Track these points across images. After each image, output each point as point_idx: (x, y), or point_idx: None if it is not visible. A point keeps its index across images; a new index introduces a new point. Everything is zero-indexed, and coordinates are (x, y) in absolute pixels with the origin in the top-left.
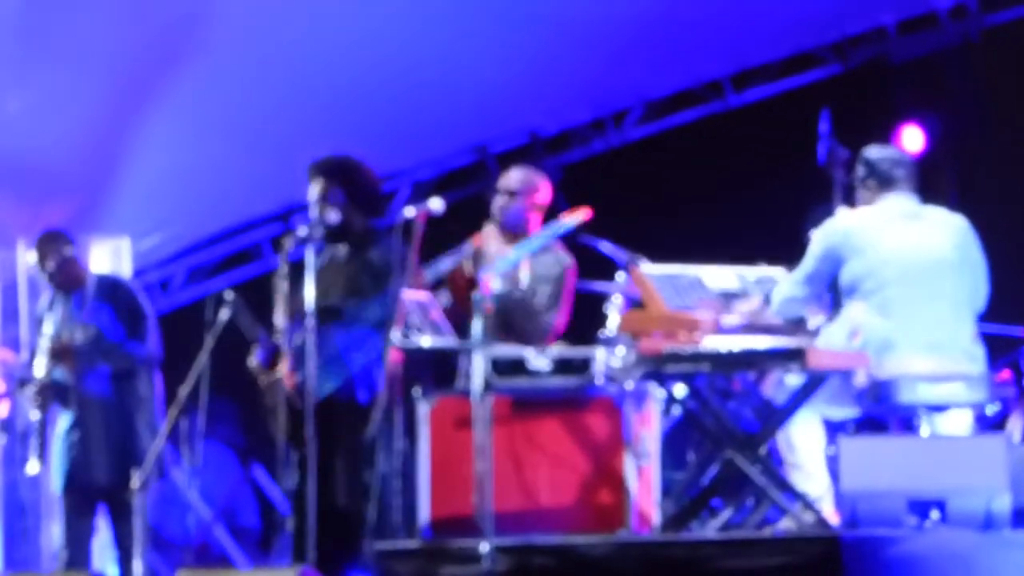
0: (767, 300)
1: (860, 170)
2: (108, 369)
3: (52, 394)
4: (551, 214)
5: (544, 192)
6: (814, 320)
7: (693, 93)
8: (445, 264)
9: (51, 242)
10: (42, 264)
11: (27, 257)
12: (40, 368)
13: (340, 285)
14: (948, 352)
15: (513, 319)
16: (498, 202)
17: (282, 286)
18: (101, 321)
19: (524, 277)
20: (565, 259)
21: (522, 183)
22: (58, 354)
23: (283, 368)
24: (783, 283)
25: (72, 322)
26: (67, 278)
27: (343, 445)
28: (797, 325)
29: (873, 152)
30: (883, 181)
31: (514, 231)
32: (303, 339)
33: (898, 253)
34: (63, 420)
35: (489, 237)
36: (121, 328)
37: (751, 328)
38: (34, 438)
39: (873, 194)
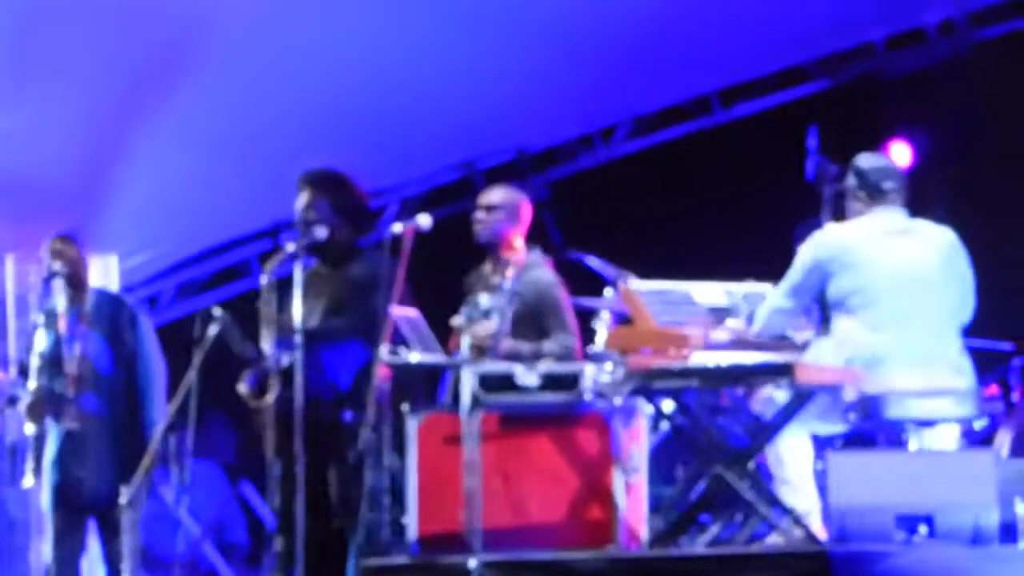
0: (750, 320)
1: (851, 179)
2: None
3: (48, 406)
4: (538, 230)
5: (525, 210)
6: (802, 334)
7: (681, 108)
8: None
9: (70, 242)
10: (60, 257)
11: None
12: (34, 381)
13: (322, 304)
14: (937, 366)
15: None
16: (477, 218)
17: (266, 308)
18: (93, 348)
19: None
20: (551, 276)
21: (501, 199)
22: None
23: (272, 395)
24: (768, 296)
25: (71, 341)
26: (78, 281)
27: (330, 462)
28: (783, 339)
29: (864, 161)
30: (872, 193)
31: (493, 247)
32: (291, 358)
33: (886, 269)
34: (52, 435)
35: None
36: (113, 355)
37: (739, 344)
38: (30, 452)
39: (863, 206)
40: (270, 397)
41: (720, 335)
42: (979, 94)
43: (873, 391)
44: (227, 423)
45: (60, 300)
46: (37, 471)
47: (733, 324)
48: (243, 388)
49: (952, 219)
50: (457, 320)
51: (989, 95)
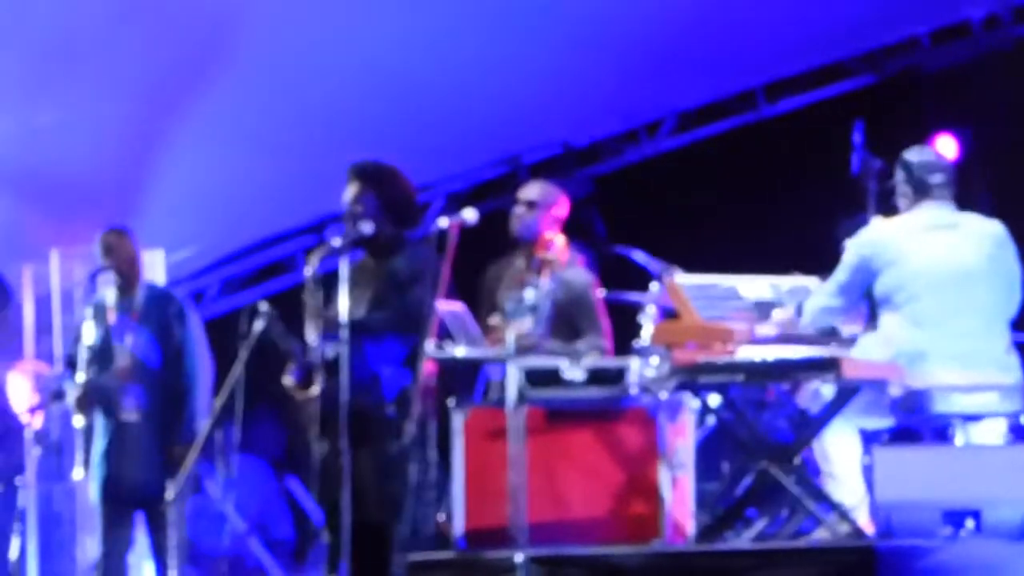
0: (799, 311)
1: (899, 173)
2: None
3: (96, 399)
4: (584, 225)
5: (562, 206)
6: (849, 328)
7: (726, 103)
8: None
9: (121, 236)
10: (108, 255)
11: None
12: (83, 374)
13: (367, 297)
14: (980, 364)
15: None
16: (516, 212)
17: (311, 301)
18: (143, 341)
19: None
20: (587, 276)
21: (540, 195)
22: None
23: (317, 388)
24: (817, 294)
25: (121, 334)
26: (131, 275)
27: (373, 457)
28: (831, 335)
29: (911, 155)
30: (918, 188)
31: (530, 242)
32: (336, 352)
33: (929, 265)
34: (100, 429)
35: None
36: (160, 350)
37: (785, 338)
38: (79, 444)
39: (910, 201)
40: (315, 390)
41: (766, 329)
42: (1022, 88)
43: (918, 386)
44: (275, 419)
45: (109, 294)
46: (86, 464)
47: (780, 314)
48: (288, 381)
49: (995, 213)
50: (494, 319)
51: None
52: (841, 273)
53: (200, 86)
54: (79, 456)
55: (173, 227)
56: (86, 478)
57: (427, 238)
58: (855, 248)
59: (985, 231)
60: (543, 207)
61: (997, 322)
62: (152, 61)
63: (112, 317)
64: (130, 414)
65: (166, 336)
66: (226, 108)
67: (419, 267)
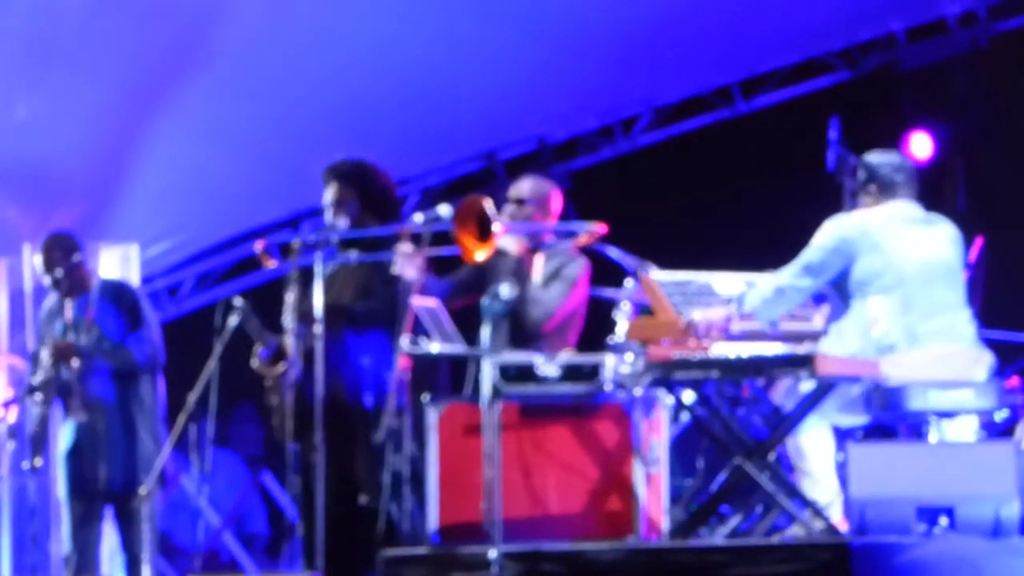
0: (740, 301)
1: (861, 175)
2: (110, 370)
3: (55, 392)
4: (559, 220)
5: (555, 201)
6: (819, 320)
7: (702, 100)
8: None
9: (58, 247)
10: (48, 268)
11: (34, 263)
12: (43, 368)
13: (351, 286)
14: (963, 339)
15: (523, 318)
16: (508, 211)
17: (290, 297)
18: (103, 321)
19: (536, 276)
20: (580, 262)
21: (532, 192)
22: (61, 352)
23: (283, 365)
24: (771, 279)
25: (76, 325)
26: (73, 283)
27: (347, 448)
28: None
29: (874, 158)
30: (884, 187)
31: (526, 237)
32: (312, 342)
33: (916, 252)
34: (67, 426)
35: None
36: (123, 327)
37: (759, 334)
38: (35, 434)
39: (875, 200)
40: (281, 366)
41: (741, 325)
42: (998, 85)
43: (893, 382)
44: (254, 416)
45: (64, 301)
46: (41, 454)
47: (718, 312)
48: (255, 362)
49: (971, 210)
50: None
51: (1008, 87)
52: (813, 253)
53: (176, 81)
54: (33, 447)
55: (148, 222)
56: (52, 476)
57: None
58: (836, 230)
59: (951, 230)
60: (534, 203)
61: (970, 316)
62: (128, 56)
63: (69, 316)
64: (90, 410)
65: (122, 327)
66: (202, 104)
67: None
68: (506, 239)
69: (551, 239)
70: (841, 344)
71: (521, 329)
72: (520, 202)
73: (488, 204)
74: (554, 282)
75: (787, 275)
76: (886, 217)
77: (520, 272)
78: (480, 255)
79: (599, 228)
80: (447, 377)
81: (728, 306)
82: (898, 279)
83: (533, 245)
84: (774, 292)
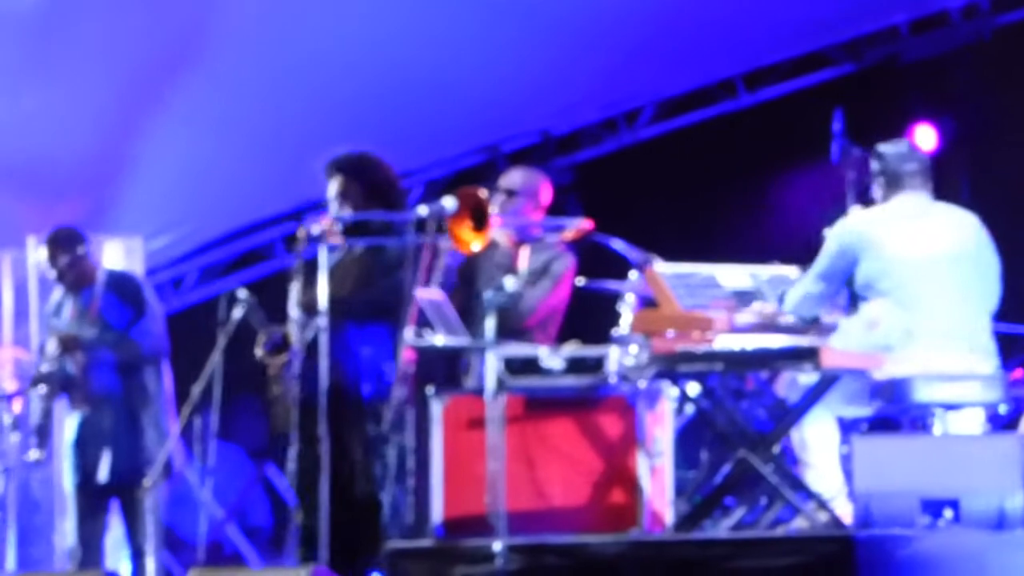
0: (782, 299)
1: (874, 165)
2: (114, 361)
3: (59, 384)
4: (563, 213)
5: (545, 193)
6: (830, 316)
7: (705, 92)
8: None
9: (62, 241)
10: (52, 262)
11: (38, 256)
12: (48, 360)
13: (353, 276)
14: (968, 343)
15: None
16: (498, 201)
17: (295, 288)
18: (108, 312)
19: (522, 268)
20: (566, 259)
21: (522, 183)
22: (66, 344)
23: (286, 355)
24: (798, 282)
25: (82, 318)
26: (77, 277)
27: (343, 438)
28: (812, 323)
29: (885, 148)
30: (892, 178)
31: (514, 230)
32: (314, 333)
33: (910, 251)
34: (72, 418)
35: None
36: (127, 317)
37: (764, 327)
38: (40, 426)
39: (885, 192)
40: (284, 357)
41: (745, 318)
42: (1001, 78)
43: (899, 375)
44: (257, 408)
45: (69, 295)
46: (43, 446)
47: (761, 307)
48: (259, 352)
49: (975, 202)
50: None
51: (1011, 79)
52: (823, 260)
53: (179, 74)
54: (35, 439)
55: (152, 214)
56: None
57: (409, 225)
58: (835, 236)
59: (963, 221)
60: (524, 194)
61: (979, 308)
62: (131, 48)
63: (74, 307)
64: (93, 403)
65: (125, 318)
66: (206, 96)
67: (406, 252)
68: (496, 231)
69: (539, 232)
70: (844, 343)
71: (503, 324)
72: (511, 193)
73: (485, 195)
74: (541, 278)
75: (807, 280)
76: (888, 216)
77: (507, 265)
78: (475, 246)
79: (587, 224)
80: (443, 370)
81: (770, 303)
82: (897, 281)
83: (520, 238)
84: (800, 299)
